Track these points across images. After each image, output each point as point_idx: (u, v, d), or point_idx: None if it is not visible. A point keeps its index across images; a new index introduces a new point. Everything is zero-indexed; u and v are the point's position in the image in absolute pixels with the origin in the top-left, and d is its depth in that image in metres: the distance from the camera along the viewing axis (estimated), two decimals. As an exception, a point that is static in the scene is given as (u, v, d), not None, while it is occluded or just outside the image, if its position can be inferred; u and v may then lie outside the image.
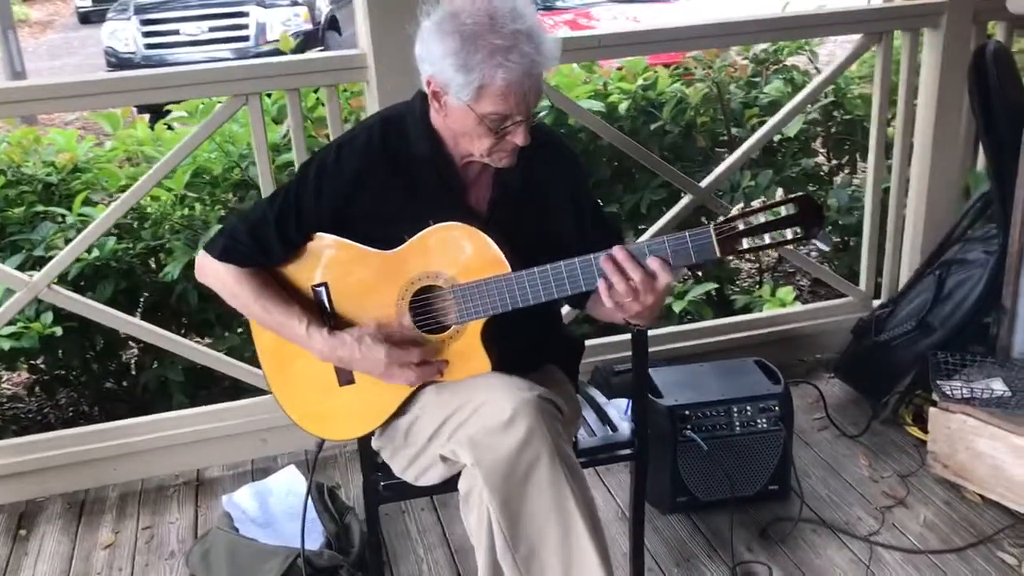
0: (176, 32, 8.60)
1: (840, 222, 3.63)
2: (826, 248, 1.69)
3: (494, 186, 1.87)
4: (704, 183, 2.97)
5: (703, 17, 2.90)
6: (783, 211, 1.60)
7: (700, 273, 3.43)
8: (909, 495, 2.57)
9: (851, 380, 3.00)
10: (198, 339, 3.28)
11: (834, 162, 3.96)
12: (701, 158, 3.56)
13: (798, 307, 3.30)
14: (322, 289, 1.88)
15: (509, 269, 1.74)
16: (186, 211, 3.10)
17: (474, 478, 1.71)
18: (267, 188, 2.61)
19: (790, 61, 4.00)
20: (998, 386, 2.50)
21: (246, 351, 3.19)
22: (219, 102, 2.66)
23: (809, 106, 3.53)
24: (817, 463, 2.73)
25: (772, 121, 3.01)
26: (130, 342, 3.28)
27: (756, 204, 1.62)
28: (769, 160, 3.68)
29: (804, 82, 3.73)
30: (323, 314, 1.88)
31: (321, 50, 8.68)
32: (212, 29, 8.57)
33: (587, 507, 1.72)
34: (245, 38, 8.55)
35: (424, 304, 1.83)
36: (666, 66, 3.62)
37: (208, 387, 3.31)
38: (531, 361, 1.95)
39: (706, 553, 2.41)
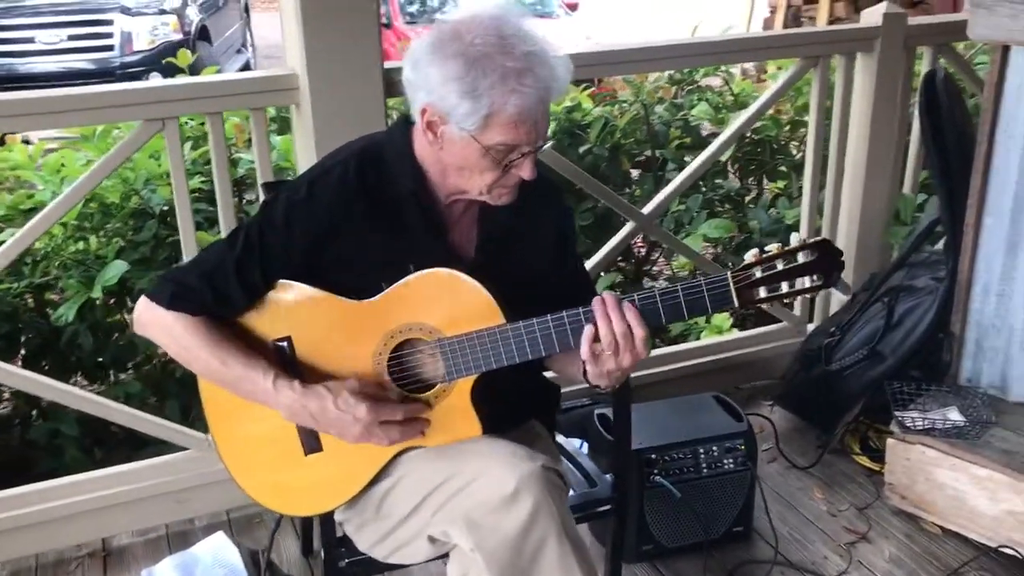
0: (31, 40, 7.95)
1: (764, 244, 3.60)
2: (845, 296, 1.60)
3: (479, 227, 1.68)
4: (646, 210, 2.86)
5: (639, 40, 2.80)
6: (801, 257, 1.49)
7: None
8: (870, 530, 2.52)
9: (796, 409, 2.94)
10: (88, 386, 2.95)
11: (741, 183, 3.95)
12: (620, 180, 3.48)
13: (735, 334, 3.23)
14: (285, 344, 1.64)
15: (503, 320, 1.56)
16: (80, 245, 2.77)
17: (471, 563, 1.52)
18: (184, 220, 2.33)
19: (704, 82, 3.99)
20: (955, 416, 2.48)
21: (147, 396, 2.90)
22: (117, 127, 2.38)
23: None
24: (773, 498, 2.64)
25: (715, 144, 2.93)
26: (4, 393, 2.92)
27: (773, 249, 1.50)
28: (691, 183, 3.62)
29: (719, 103, 3.71)
30: (286, 372, 1.64)
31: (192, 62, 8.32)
32: (72, 37, 7.95)
33: (597, 589, 1.56)
34: (109, 47, 7.98)
35: (403, 360, 1.63)
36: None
37: (103, 440, 2.98)
38: (514, 417, 1.77)
39: (677, 605, 2.29)
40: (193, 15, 8.63)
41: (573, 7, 8.97)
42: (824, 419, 2.83)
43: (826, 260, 1.49)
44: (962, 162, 2.50)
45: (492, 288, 1.56)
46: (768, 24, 7.53)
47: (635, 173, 3.73)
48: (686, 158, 3.64)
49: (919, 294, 2.68)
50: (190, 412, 2.88)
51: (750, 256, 1.50)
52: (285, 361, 1.63)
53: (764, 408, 3.05)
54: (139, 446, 2.87)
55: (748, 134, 3.71)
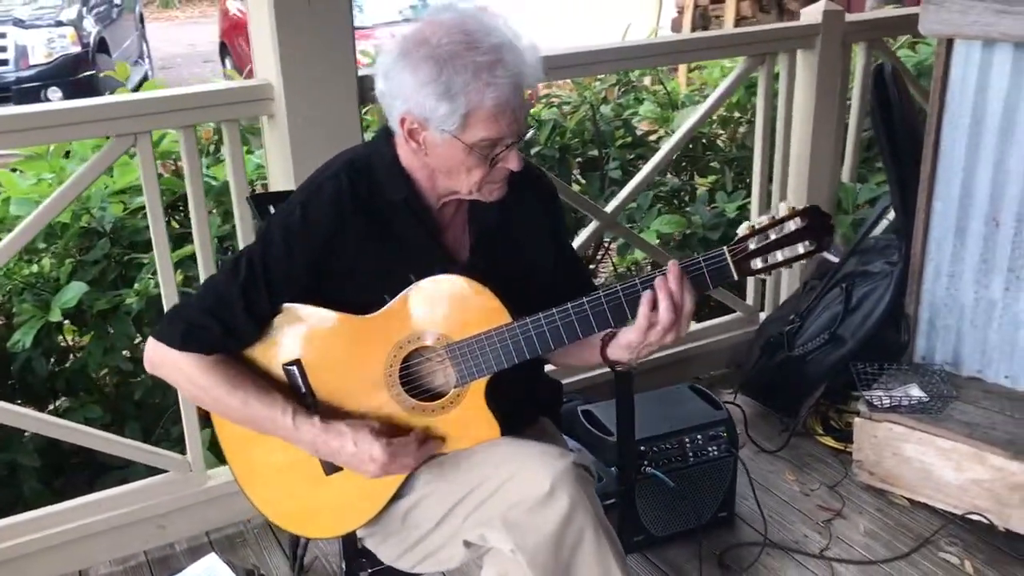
0: (-81, 56, 7.59)
1: (708, 237, 3.70)
2: (835, 260, 1.64)
3: (470, 227, 1.69)
4: (609, 208, 2.92)
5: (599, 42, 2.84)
6: (792, 225, 1.52)
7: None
8: (844, 506, 2.62)
9: (759, 396, 3.03)
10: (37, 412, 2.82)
11: (680, 180, 4.05)
12: (569, 181, 3.52)
13: (692, 325, 3.31)
14: (294, 368, 1.62)
15: (509, 318, 1.57)
16: (34, 267, 2.66)
17: (510, 564, 1.53)
18: (159, 236, 2.26)
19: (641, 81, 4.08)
20: (916, 392, 2.60)
21: (107, 420, 2.80)
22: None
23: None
24: (746, 483, 2.72)
25: (671, 142, 3.00)
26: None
27: (764, 220, 1.54)
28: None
29: (662, 102, 3.81)
30: (300, 397, 1.62)
31: (92, 74, 8.03)
32: (-38, 52, 7.62)
33: (631, 578, 1.59)
34: (3, 62, 7.66)
35: (414, 370, 1.62)
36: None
37: (61, 470, 2.87)
38: (525, 417, 1.79)
39: (673, 592, 2.34)
40: (90, 27, 8.35)
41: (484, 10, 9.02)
42: (787, 404, 2.93)
43: (816, 225, 1.51)
44: (912, 151, 2.63)
45: (493, 287, 1.57)
46: (676, 25, 7.71)
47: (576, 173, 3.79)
48: (628, 155, 3.73)
49: (875, 278, 2.80)
50: (152, 434, 2.81)
51: (743, 229, 1.52)
52: (296, 385, 1.61)
53: (726, 397, 3.13)
54: (98, 474, 2.78)
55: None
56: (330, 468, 1.64)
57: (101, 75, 7.91)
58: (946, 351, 2.73)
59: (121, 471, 2.74)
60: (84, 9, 8.45)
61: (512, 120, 1.51)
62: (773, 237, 1.52)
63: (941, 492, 2.53)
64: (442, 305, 1.59)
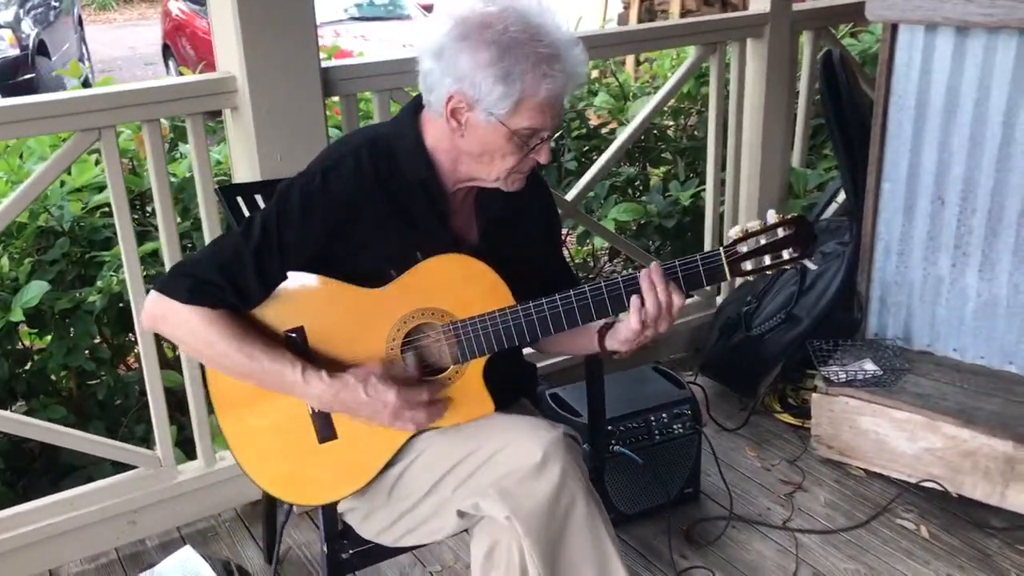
0: None
1: (663, 225, 3.78)
2: (814, 268, 1.75)
3: (478, 214, 1.74)
4: (570, 196, 2.97)
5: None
6: (780, 232, 1.62)
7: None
8: (805, 479, 2.71)
9: (719, 376, 3.11)
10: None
11: (635, 169, 4.12)
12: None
13: (651, 311, 3.38)
14: (296, 335, 1.64)
15: (513, 301, 1.63)
16: (-7, 267, 2.63)
17: (503, 531, 1.57)
18: (125, 230, 2.26)
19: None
20: (870, 367, 2.69)
21: (72, 420, 2.77)
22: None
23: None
24: (709, 460, 2.78)
25: (627, 131, 3.07)
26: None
27: (755, 225, 1.62)
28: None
29: (616, 93, 3.88)
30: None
31: (32, 77, 7.88)
32: None
33: (617, 544, 1.65)
34: (-61, 64, 7.50)
35: (416, 345, 1.67)
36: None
37: (22, 472, 2.84)
38: (507, 397, 1.83)
39: (643, 567, 2.39)
40: (29, 29, 8.19)
41: (429, 8, 9.04)
42: (746, 383, 3.01)
43: (802, 234, 1.62)
44: (861, 134, 2.72)
45: (498, 270, 1.63)
46: (623, 19, 7.79)
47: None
48: (583, 148, 3.79)
49: (828, 259, 2.89)
50: (116, 433, 2.79)
51: (735, 232, 1.62)
52: (298, 352, 1.63)
53: (687, 378, 3.20)
54: (62, 476, 2.75)
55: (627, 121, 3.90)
56: (324, 435, 1.67)
57: (53, 74, 7.80)
58: (897, 327, 2.83)
59: (85, 470, 2.72)
60: (21, 12, 8.29)
61: (556, 114, 1.59)
62: (763, 242, 1.61)
63: (896, 462, 2.62)
64: (448, 283, 1.64)
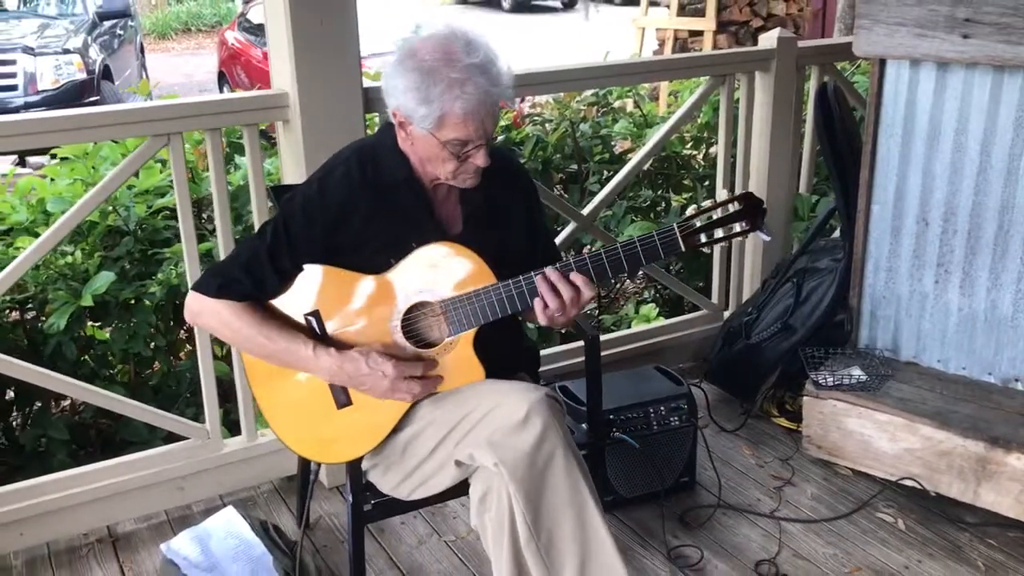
0: (-67, 80, 7.89)
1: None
2: (768, 238, 1.95)
3: (462, 205, 2.02)
4: (585, 211, 3.24)
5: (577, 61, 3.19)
6: (731, 207, 1.84)
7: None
8: (794, 475, 2.92)
9: (722, 382, 3.34)
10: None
11: (653, 193, 4.38)
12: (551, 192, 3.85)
13: (662, 321, 3.63)
14: (313, 317, 1.94)
15: (495, 280, 1.89)
16: (69, 259, 2.96)
17: (494, 477, 1.83)
18: (187, 230, 2.57)
19: (617, 103, 4.43)
20: (857, 372, 2.91)
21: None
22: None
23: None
24: (706, 455, 3.03)
25: (641, 152, 3.34)
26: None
27: (708, 204, 1.86)
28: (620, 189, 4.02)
29: (637, 122, 4.15)
30: (318, 339, 1.94)
31: (96, 99, 8.36)
32: (-26, 78, 7.94)
33: (595, 494, 1.89)
34: (13, 87, 7.98)
35: (414, 322, 1.94)
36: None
37: (85, 447, 3.15)
38: (507, 371, 2.10)
39: (639, 544, 2.62)
40: (95, 55, 8.69)
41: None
42: (746, 389, 3.24)
43: (750, 208, 1.83)
44: (853, 159, 2.96)
45: (480, 254, 1.91)
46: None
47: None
48: (606, 171, 4.06)
49: (822, 274, 3.12)
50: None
51: (691, 210, 1.87)
52: (315, 330, 1.94)
53: (692, 384, 3.44)
54: (118, 452, 3.05)
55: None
56: (341, 402, 1.96)
57: (123, 92, 8.24)
58: (886, 339, 3.04)
59: (139, 447, 3.02)
60: (89, 38, 8.81)
61: (479, 127, 1.86)
62: (715, 217, 1.84)
63: (879, 461, 2.83)
64: (439, 268, 1.92)
